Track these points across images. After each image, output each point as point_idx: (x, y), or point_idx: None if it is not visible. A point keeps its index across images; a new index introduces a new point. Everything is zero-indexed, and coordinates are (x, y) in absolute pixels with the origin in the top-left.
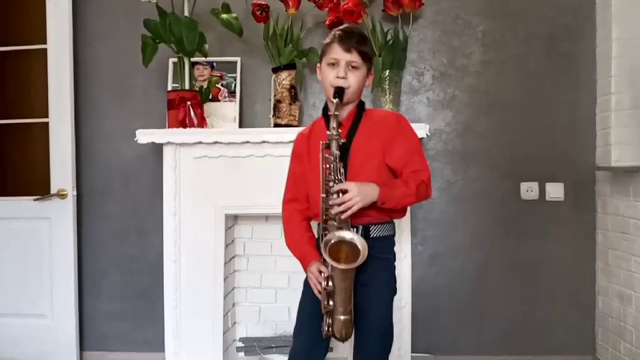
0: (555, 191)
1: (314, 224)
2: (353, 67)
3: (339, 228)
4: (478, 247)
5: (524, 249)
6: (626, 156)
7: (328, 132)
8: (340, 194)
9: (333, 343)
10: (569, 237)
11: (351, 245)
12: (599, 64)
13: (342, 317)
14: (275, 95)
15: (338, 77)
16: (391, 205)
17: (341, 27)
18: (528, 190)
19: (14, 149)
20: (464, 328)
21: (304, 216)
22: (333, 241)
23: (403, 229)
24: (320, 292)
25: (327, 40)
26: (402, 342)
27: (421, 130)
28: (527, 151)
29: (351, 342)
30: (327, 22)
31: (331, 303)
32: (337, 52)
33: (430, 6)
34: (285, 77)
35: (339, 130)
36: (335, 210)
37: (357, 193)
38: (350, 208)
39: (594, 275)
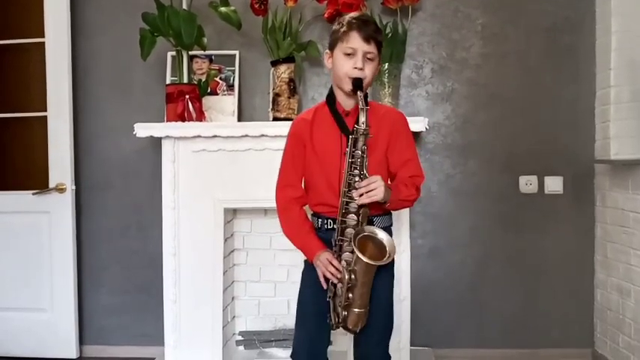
0: (554, 185)
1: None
2: (369, 58)
3: (360, 222)
4: (477, 241)
5: (524, 242)
6: (626, 149)
7: (357, 126)
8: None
9: (333, 336)
10: (569, 230)
11: (379, 243)
12: (598, 57)
13: (357, 310)
14: (274, 89)
15: (355, 68)
16: (392, 206)
17: (355, 15)
18: (527, 183)
19: (13, 143)
20: (463, 322)
21: (300, 204)
22: (364, 234)
23: (402, 222)
24: (327, 281)
25: (344, 28)
26: (401, 335)
27: (420, 123)
28: (527, 145)
29: (350, 335)
30: (325, 15)
31: (350, 296)
32: (356, 42)
33: None
34: (284, 70)
35: (369, 125)
36: (360, 201)
37: (382, 185)
38: (371, 196)
39: (593, 269)
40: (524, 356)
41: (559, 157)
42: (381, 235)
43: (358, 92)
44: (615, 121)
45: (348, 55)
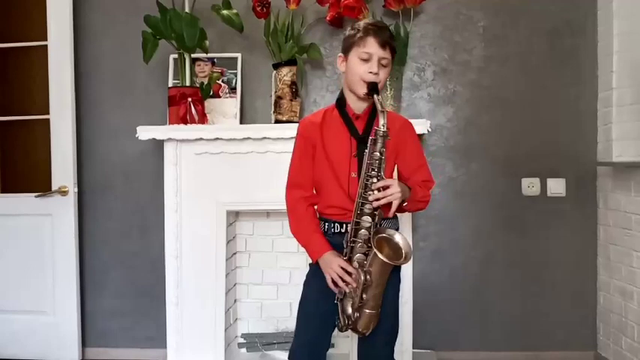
0: (557, 187)
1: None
2: (383, 64)
3: (376, 224)
4: (480, 243)
5: (526, 245)
6: (628, 151)
7: (377, 128)
8: (381, 190)
9: (334, 339)
10: (571, 233)
11: (394, 245)
12: (600, 60)
13: (369, 311)
14: (276, 91)
15: (370, 72)
16: (409, 207)
17: (371, 21)
18: (530, 185)
19: (16, 146)
20: (465, 324)
21: (308, 203)
22: (381, 235)
23: (405, 225)
24: (335, 285)
25: (360, 33)
26: (404, 338)
27: (422, 125)
28: (529, 147)
29: (353, 338)
30: (327, 18)
31: (364, 297)
32: (372, 47)
33: (431, 1)
34: (286, 73)
35: (388, 128)
36: (375, 203)
37: (400, 190)
38: (388, 198)
39: (596, 271)
40: (527, 359)
41: (561, 159)
42: (398, 237)
43: (375, 95)
44: (617, 124)
45: (364, 59)
